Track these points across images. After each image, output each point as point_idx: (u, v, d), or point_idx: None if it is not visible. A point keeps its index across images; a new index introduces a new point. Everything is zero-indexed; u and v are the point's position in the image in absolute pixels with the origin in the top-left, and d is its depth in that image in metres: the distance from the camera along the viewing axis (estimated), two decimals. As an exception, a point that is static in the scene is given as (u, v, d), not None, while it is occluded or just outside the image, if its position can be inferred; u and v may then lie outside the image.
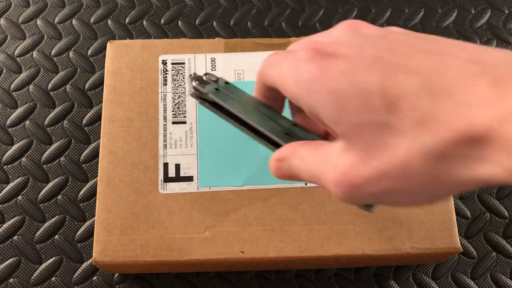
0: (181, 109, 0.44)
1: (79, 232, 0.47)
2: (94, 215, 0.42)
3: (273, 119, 0.30)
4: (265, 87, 0.29)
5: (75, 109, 0.51)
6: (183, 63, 0.45)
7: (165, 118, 0.43)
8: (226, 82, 0.33)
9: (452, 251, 0.40)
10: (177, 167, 0.42)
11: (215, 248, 0.40)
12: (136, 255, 0.40)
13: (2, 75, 0.53)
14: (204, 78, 0.33)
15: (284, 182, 0.42)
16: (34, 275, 0.46)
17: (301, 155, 0.26)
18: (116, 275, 0.46)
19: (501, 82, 0.19)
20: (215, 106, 0.32)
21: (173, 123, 0.43)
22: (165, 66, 0.45)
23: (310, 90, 0.23)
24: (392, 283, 0.46)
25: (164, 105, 0.44)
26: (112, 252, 0.40)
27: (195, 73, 0.35)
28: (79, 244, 0.47)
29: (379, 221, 0.41)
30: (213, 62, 0.45)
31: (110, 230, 0.40)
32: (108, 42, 0.46)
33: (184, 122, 0.43)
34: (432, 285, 0.46)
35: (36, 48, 0.54)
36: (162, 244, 0.40)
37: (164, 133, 0.43)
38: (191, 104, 0.44)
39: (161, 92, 0.44)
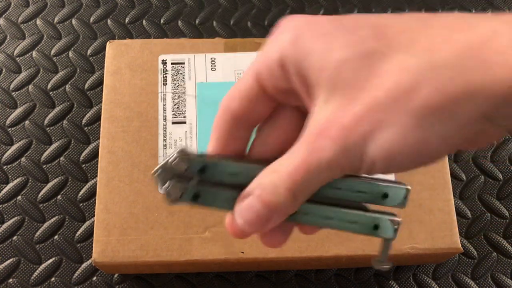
0: (181, 109, 0.44)
1: (78, 232, 0.47)
2: (94, 215, 0.42)
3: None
4: (233, 119, 0.25)
5: (74, 109, 0.51)
6: (183, 63, 0.45)
7: (164, 118, 0.43)
8: (201, 169, 0.25)
9: (452, 251, 0.40)
10: None
11: (215, 248, 0.40)
12: (136, 255, 0.40)
13: (2, 75, 0.53)
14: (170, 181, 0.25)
15: None
16: (34, 275, 0.46)
17: (272, 169, 0.23)
18: (116, 275, 0.46)
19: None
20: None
21: (173, 123, 0.43)
22: (165, 66, 0.45)
23: (298, 42, 0.22)
24: (392, 283, 0.46)
25: (164, 105, 0.44)
26: (111, 253, 0.40)
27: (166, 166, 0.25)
28: (78, 245, 0.47)
29: None
30: (213, 62, 0.45)
31: (110, 230, 0.40)
32: (108, 42, 0.46)
33: (184, 122, 0.43)
34: (433, 285, 0.46)
35: (36, 48, 0.54)
36: (162, 244, 0.40)
37: (164, 133, 0.43)
38: (191, 104, 0.44)
39: (161, 92, 0.44)
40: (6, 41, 0.54)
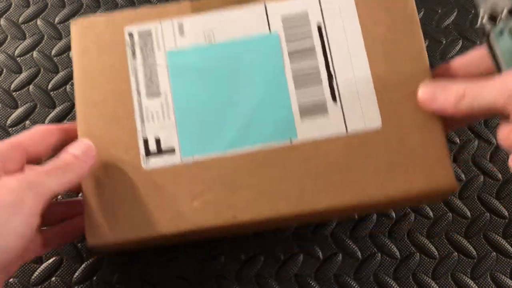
0: (153, 82, 0.42)
1: (79, 232, 0.47)
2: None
3: None
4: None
5: (75, 109, 0.51)
6: (150, 33, 0.43)
7: (138, 92, 0.42)
8: None
9: (447, 188, 0.39)
10: (157, 140, 0.41)
11: (206, 216, 0.39)
12: (127, 234, 0.39)
13: (2, 75, 0.53)
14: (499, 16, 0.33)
15: (269, 140, 0.40)
16: (34, 275, 0.46)
17: None
18: (115, 275, 0.46)
19: None
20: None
21: (148, 96, 0.42)
22: (132, 38, 0.43)
23: None
24: (392, 282, 0.46)
25: (136, 79, 0.42)
26: (103, 234, 0.39)
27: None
28: (79, 244, 0.47)
29: (370, 168, 0.39)
30: (181, 27, 0.43)
31: (99, 212, 0.40)
32: (71, 21, 0.44)
33: (159, 94, 0.42)
34: (432, 284, 0.46)
35: (36, 48, 0.54)
36: (153, 219, 0.39)
37: (139, 108, 0.42)
38: (163, 74, 0.42)
39: (131, 66, 0.43)
40: (7, 41, 0.54)
